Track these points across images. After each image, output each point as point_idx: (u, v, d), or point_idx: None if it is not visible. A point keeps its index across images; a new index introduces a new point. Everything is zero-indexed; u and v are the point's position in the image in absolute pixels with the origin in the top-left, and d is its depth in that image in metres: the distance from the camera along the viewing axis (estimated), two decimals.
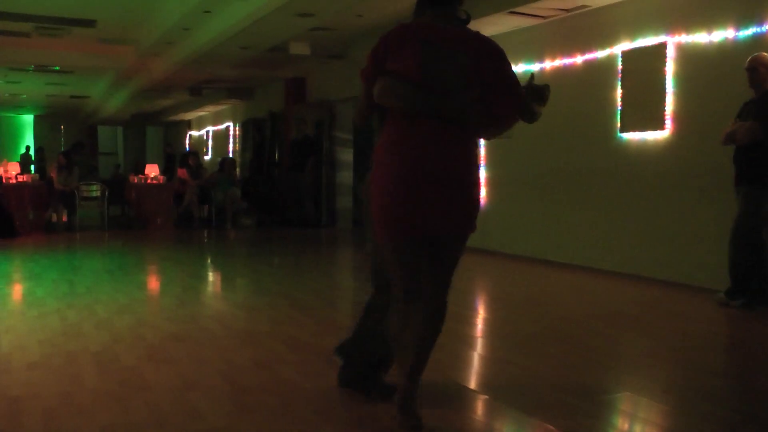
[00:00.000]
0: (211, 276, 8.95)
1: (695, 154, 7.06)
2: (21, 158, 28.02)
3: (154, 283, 8.21)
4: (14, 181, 13.52)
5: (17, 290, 7.38)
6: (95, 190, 14.29)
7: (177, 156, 23.07)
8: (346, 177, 14.61)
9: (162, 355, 4.67)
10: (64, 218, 13.78)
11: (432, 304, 3.21)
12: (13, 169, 14.14)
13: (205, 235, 13.55)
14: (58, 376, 4.22)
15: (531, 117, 3.25)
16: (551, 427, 3.38)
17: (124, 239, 12.41)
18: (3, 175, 13.67)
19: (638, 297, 6.95)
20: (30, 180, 13.68)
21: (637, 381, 4.38)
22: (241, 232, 13.96)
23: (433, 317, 3.22)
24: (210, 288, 7.98)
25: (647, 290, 7.19)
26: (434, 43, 3.10)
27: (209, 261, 10.36)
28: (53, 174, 13.68)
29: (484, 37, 3.20)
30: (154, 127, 30.83)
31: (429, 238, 3.15)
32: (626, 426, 3.61)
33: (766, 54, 6.10)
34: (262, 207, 15.25)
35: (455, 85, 3.07)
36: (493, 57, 3.15)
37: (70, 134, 29.46)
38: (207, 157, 23.07)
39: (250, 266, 9.60)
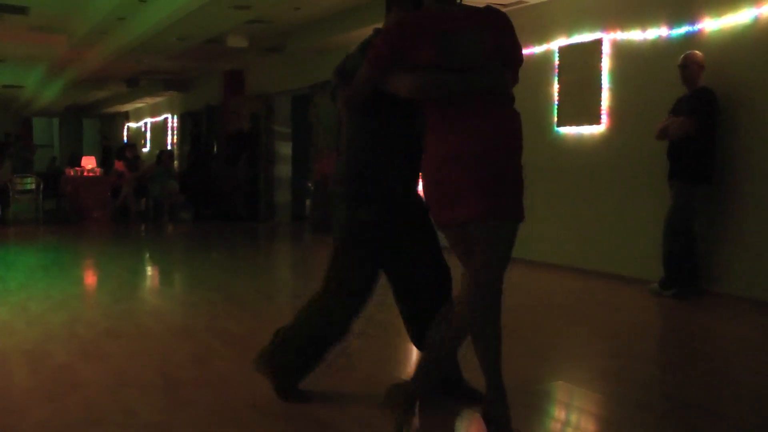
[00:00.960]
0: (148, 271, 8.81)
1: (630, 149, 7.21)
2: None
3: (89, 279, 8.04)
4: None
5: None
6: (29, 183, 13.94)
7: (114, 148, 22.64)
8: (284, 170, 14.47)
9: (96, 352, 4.59)
10: None
11: (489, 289, 3.09)
12: None
13: (143, 229, 13.32)
14: None
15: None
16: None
17: (59, 234, 12.12)
18: None
19: (573, 288, 7.06)
20: None
21: (570, 370, 4.47)
22: (179, 226, 13.76)
23: (492, 305, 3.13)
24: (147, 283, 7.85)
25: (582, 282, 7.32)
26: (449, 31, 3.04)
27: (146, 256, 10.19)
28: None
29: (494, 9, 3.17)
30: (90, 119, 30.17)
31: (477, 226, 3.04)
32: (561, 415, 3.67)
33: (698, 52, 6.26)
34: (199, 200, 15.06)
35: (476, 65, 3.02)
36: (506, 30, 3.13)
37: (3, 126, 28.63)
38: (145, 150, 22.68)
39: (186, 261, 9.49)
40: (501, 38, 3.09)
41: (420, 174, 3.22)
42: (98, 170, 14.53)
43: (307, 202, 13.65)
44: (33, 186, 13.93)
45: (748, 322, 5.72)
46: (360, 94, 3.28)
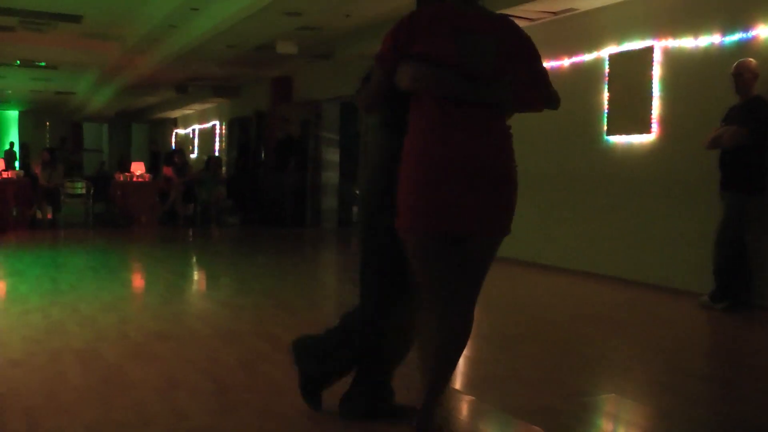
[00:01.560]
0: (195, 274, 8.92)
1: (681, 158, 7.10)
2: (5, 154, 27.81)
3: (138, 281, 8.17)
4: None
5: (0, 286, 7.30)
6: (80, 188, 14.21)
7: (162, 154, 23.01)
8: (331, 177, 14.57)
9: (146, 354, 4.65)
10: (49, 215, 13.70)
11: (456, 316, 3.00)
12: None
13: (190, 233, 13.49)
14: (41, 373, 4.19)
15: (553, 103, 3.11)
16: (537, 429, 3.39)
17: (108, 237, 12.33)
18: None
19: (623, 300, 6.97)
20: (14, 176, 13.57)
21: (620, 383, 4.40)
22: (226, 231, 13.92)
23: (455, 331, 3.01)
24: (194, 286, 7.95)
25: (632, 293, 7.21)
26: (464, 29, 2.93)
27: (194, 259, 10.33)
28: (38, 171, 13.57)
29: (512, 22, 3.06)
30: (139, 124, 30.69)
31: (459, 240, 2.94)
32: (610, 427, 3.62)
33: (751, 60, 6.15)
34: (246, 206, 15.21)
35: (487, 71, 2.89)
36: (522, 44, 3.01)
37: (55, 131, 29.28)
38: (193, 155, 22.99)
39: (234, 265, 9.57)
40: (516, 48, 2.98)
41: (405, 165, 2.97)
42: (147, 175, 14.75)
43: (354, 208, 13.71)
44: (83, 190, 14.19)
45: None
46: (374, 96, 3.10)
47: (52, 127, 29.62)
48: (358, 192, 3.44)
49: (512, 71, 2.94)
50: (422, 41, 2.90)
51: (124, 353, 4.65)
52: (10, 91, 22.75)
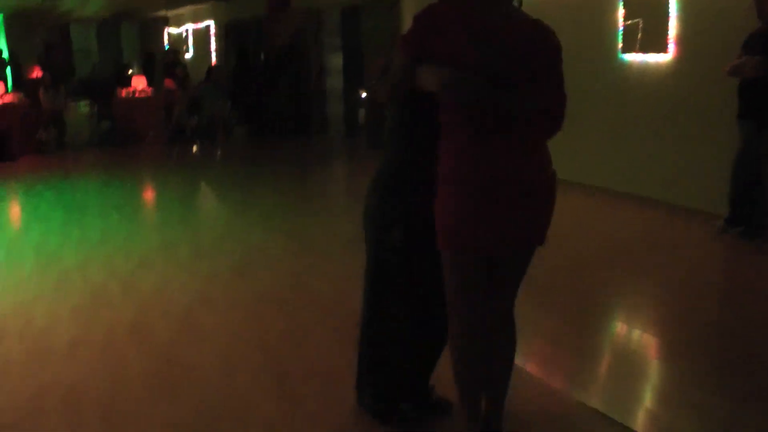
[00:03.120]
0: (218, 211, 8.91)
1: (698, 80, 7.10)
2: None
3: (164, 225, 8.10)
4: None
5: (31, 238, 7.35)
6: (84, 106, 14.15)
7: (157, 56, 22.61)
8: (336, 83, 14.48)
9: (195, 329, 4.81)
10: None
11: (503, 331, 3.07)
12: None
13: (199, 153, 13.49)
14: (102, 357, 4.39)
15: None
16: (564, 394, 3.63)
17: (118, 161, 12.37)
18: None
19: (642, 226, 7.10)
20: (17, 100, 13.44)
21: (643, 326, 4.64)
22: (234, 146, 13.94)
23: (506, 346, 3.09)
24: (221, 229, 7.70)
25: (649, 215, 7.38)
26: (481, 32, 2.80)
27: (210, 190, 10.38)
28: (40, 94, 13.45)
29: (540, 27, 2.87)
30: (128, 23, 29.97)
31: (498, 257, 2.98)
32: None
33: None
34: (252, 117, 15.15)
35: (504, 78, 2.77)
36: (547, 53, 2.85)
37: (42, 34, 28.63)
38: (188, 56, 22.62)
39: (256, 194, 9.37)
40: (537, 59, 2.82)
41: (443, 185, 2.92)
42: (149, 89, 14.60)
43: (360, 112, 13.67)
44: (87, 109, 14.13)
45: None
46: (399, 83, 2.96)
47: (39, 32, 28.95)
48: (366, 205, 3.30)
49: (532, 81, 2.82)
50: (441, 39, 2.81)
51: (173, 328, 4.83)
52: None
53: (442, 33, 2.82)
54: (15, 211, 8.71)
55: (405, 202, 3.15)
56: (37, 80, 16.29)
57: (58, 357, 4.40)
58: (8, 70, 26.54)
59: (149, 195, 10.06)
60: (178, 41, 24.08)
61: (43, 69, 16.34)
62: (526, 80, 2.80)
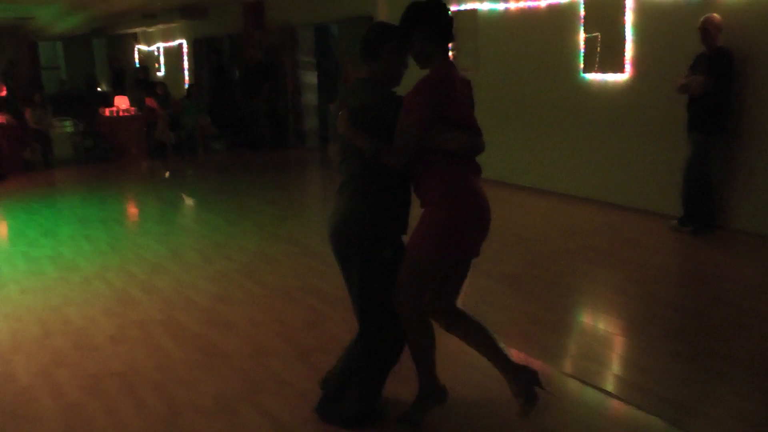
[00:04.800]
0: (215, 221, 9.28)
1: (652, 96, 7.93)
2: None
3: (167, 234, 8.63)
4: None
5: (44, 251, 7.86)
6: (68, 126, 14.65)
7: (126, 71, 23.08)
8: (311, 99, 15.20)
9: (221, 320, 5.48)
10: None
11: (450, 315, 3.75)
12: None
13: (182, 164, 14.09)
14: (143, 349, 5.01)
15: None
16: (537, 363, 4.36)
17: (106, 176, 12.90)
18: None
19: (603, 226, 7.92)
20: (5, 121, 13.90)
21: (611, 320, 5.41)
22: (215, 158, 14.55)
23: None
24: (221, 237, 8.21)
25: (610, 216, 8.20)
26: (468, 95, 3.70)
27: (202, 202, 10.92)
28: (27, 113, 13.89)
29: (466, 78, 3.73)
30: (97, 39, 30.30)
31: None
32: (615, 366, 4.62)
33: (716, 15, 6.92)
34: (230, 131, 15.78)
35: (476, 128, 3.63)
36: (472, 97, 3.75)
37: (8, 50, 28.83)
38: (159, 73, 23.11)
39: (246, 205, 9.96)
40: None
41: (439, 205, 3.55)
42: (132, 109, 15.15)
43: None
44: (72, 128, 14.66)
45: (755, 259, 6.65)
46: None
47: (4, 46, 29.12)
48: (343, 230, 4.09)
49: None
50: (451, 106, 3.47)
51: (201, 321, 5.47)
52: None
53: (454, 99, 3.48)
54: (20, 226, 9.18)
55: (391, 227, 3.65)
56: (1, 99, 16.74)
57: (103, 350, 5.01)
58: None
59: (144, 207, 10.61)
60: (149, 58, 24.55)
61: (8, 86, 16.73)
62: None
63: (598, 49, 8.37)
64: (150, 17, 18.33)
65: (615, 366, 4.60)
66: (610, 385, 4.24)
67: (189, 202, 10.89)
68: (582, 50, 8.64)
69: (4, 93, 18.82)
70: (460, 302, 3.79)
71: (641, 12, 7.93)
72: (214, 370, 4.59)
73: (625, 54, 8.09)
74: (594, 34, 8.39)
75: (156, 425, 3.95)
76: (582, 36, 8.63)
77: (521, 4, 9.38)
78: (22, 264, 7.32)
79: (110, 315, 5.72)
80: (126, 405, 4.18)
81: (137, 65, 24.38)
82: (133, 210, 10.41)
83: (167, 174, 13.53)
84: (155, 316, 5.63)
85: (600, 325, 5.31)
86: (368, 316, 3.71)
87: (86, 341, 5.19)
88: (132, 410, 4.11)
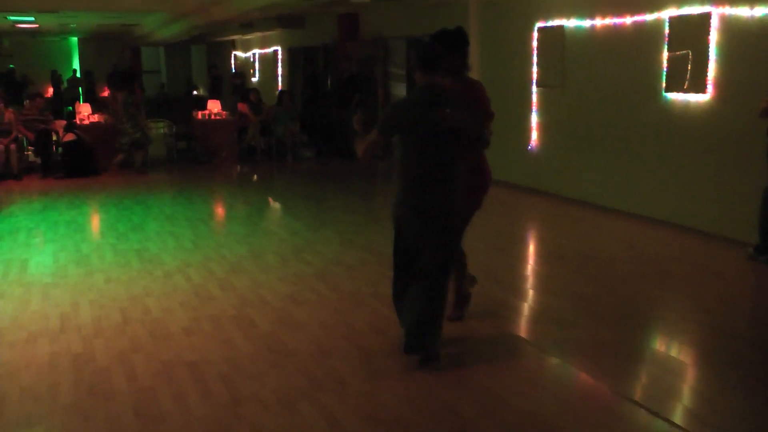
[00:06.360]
0: (296, 226, 9.48)
1: (734, 119, 7.78)
2: (68, 82, 29.02)
3: (249, 236, 8.84)
4: (87, 122, 14.47)
5: (131, 244, 8.29)
6: (162, 127, 15.29)
7: (224, 78, 23.86)
8: None
9: (290, 320, 5.69)
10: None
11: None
12: (85, 110, 15.08)
13: (272, 170, 14.52)
14: (214, 341, 5.27)
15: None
16: (604, 387, 4.38)
17: (197, 178, 13.38)
18: (78, 117, 14.67)
19: (679, 251, 7.79)
20: (102, 120, 14.62)
21: (678, 347, 5.36)
22: (303, 166, 14.90)
23: None
24: (301, 242, 8.38)
25: (686, 241, 8.07)
26: None
27: (287, 207, 11.24)
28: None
29: None
30: (197, 45, 31.43)
31: None
32: (677, 389, 4.59)
33: None
34: (320, 139, 16.12)
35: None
36: None
37: (115, 56, 30.28)
38: (254, 79, 23.79)
39: (328, 212, 10.16)
40: None
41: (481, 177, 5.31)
42: (224, 113, 15.68)
43: None
44: (165, 130, 15.29)
45: None
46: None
47: (112, 53, 30.59)
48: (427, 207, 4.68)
49: None
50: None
51: (272, 320, 5.70)
52: (74, 25, 23.46)
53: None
54: (111, 220, 9.69)
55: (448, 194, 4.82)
56: (105, 99, 17.40)
57: (177, 340, 5.30)
58: (80, 89, 28.24)
59: (229, 209, 11.00)
60: (245, 64, 25.31)
61: (111, 88, 17.49)
62: None
63: (689, 67, 8.25)
64: (247, 26, 18.94)
65: (683, 397, 4.53)
66: (677, 417, 4.18)
67: (274, 206, 11.24)
68: (665, 69, 8.56)
69: (106, 93, 19.77)
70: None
71: (726, 31, 7.81)
72: (279, 367, 4.80)
73: (708, 74, 7.98)
74: (684, 52, 8.27)
75: (218, 412, 4.17)
76: (665, 55, 8.54)
77: (607, 21, 9.35)
78: (110, 255, 7.75)
79: (187, 308, 6.01)
80: (193, 392, 4.42)
81: (233, 71, 25.16)
82: (218, 211, 10.81)
83: (255, 178, 14.00)
84: (229, 312, 5.89)
85: (668, 352, 5.25)
86: (447, 272, 4.78)
87: (162, 331, 5.49)
88: (198, 397, 4.36)
